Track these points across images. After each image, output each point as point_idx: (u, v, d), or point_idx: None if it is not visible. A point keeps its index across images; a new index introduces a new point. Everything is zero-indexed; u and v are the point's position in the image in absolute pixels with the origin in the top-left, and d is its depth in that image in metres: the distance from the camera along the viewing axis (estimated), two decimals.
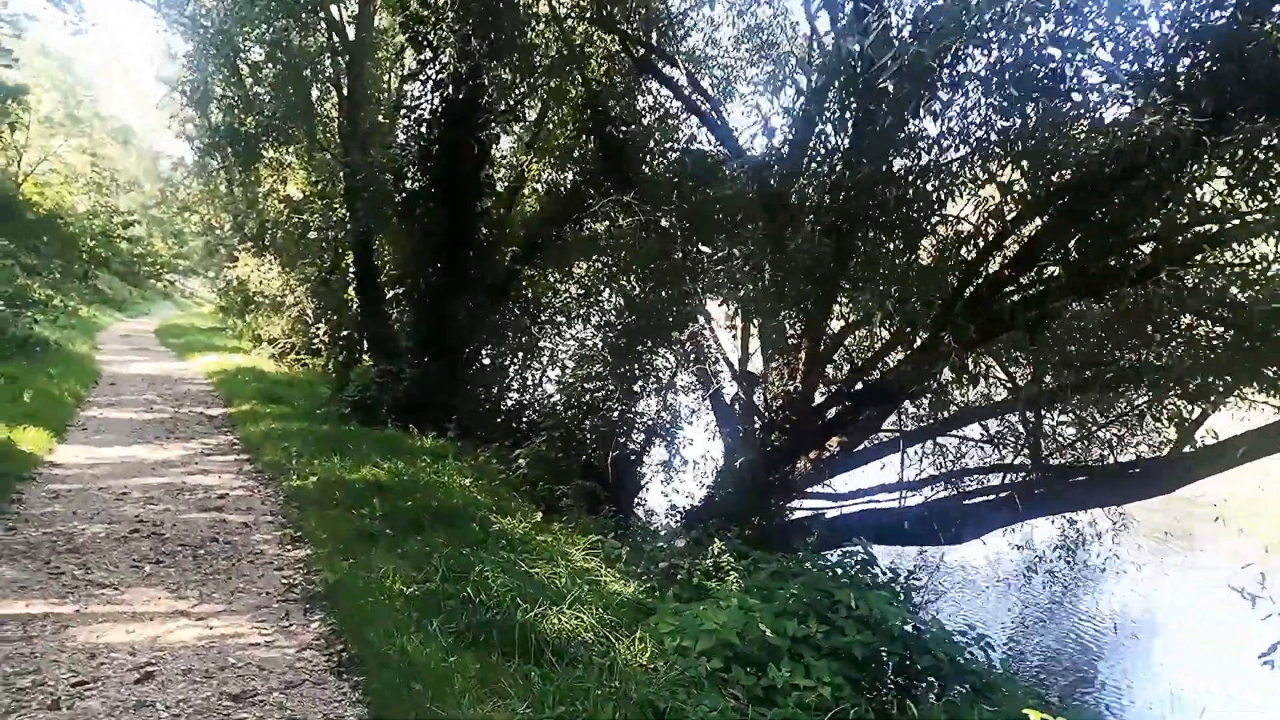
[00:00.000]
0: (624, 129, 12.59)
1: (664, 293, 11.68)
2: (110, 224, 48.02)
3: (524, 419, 14.79)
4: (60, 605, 5.67)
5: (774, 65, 11.99)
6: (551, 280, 16.00)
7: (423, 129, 13.50)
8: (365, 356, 15.32)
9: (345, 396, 13.48)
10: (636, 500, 12.39)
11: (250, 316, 30.65)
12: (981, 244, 8.91)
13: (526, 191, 16.33)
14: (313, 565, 6.70)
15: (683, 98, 11.97)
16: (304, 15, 16.85)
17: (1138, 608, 13.56)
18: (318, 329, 23.32)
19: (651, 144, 13.00)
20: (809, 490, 11.20)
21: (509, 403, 15.77)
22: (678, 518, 11.21)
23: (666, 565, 7.04)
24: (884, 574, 6.57)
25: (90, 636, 5.23)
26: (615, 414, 10.92)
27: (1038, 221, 8.77)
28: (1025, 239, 8.82)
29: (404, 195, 13.93)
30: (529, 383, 16.41)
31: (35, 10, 32.79)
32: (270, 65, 20.71)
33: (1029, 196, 8.37)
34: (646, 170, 12.90)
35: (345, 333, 17.07)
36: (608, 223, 14.01)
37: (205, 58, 24.83)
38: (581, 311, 14.90)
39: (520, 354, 16.10)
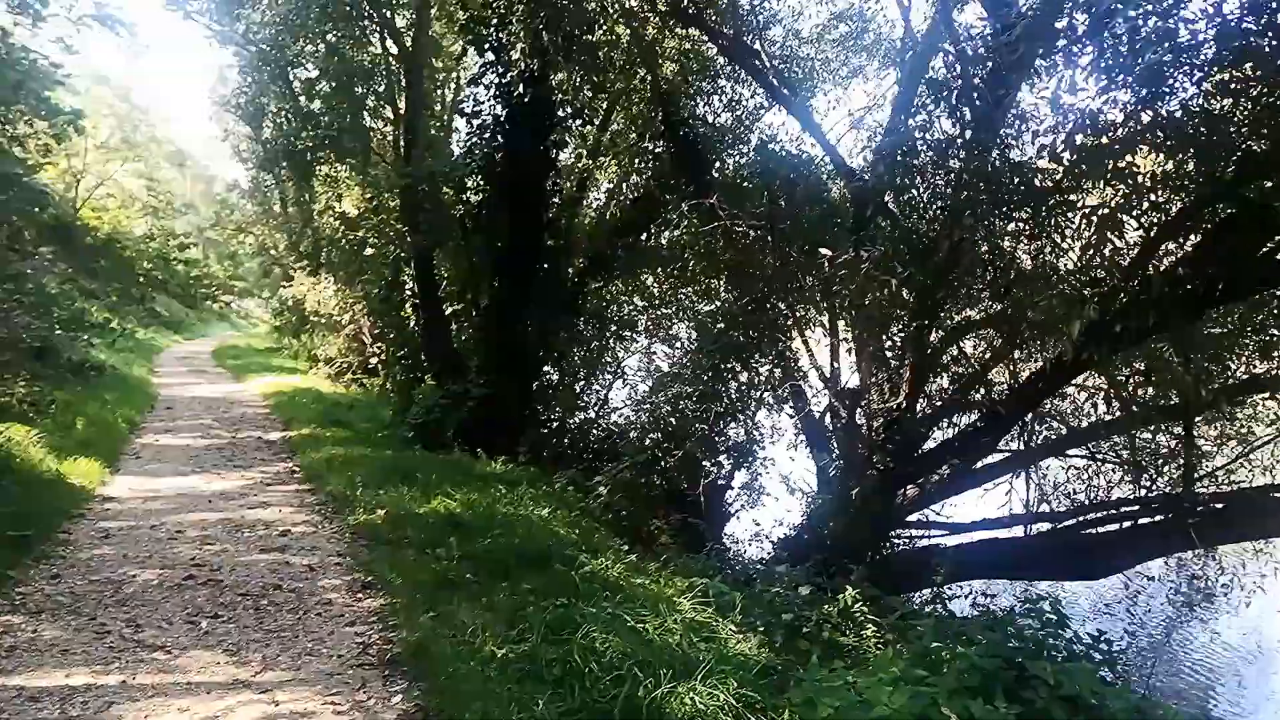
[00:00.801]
0: (699, 128, 11.70)
1: (751, 303, 10.71)
2: (167, 247, 48.49)
3: (596, 440, 13.93)
4: (105, 674, 4.88)
5: (865, 53, 10.99)
6: (621, 292, 15.15)
7: (485, 136, 12.78)
8: (427, 376, 14.56)
9: (408, 419, 12.74)
10: (724, 530, 11.41)
11: (306, 336, 30.35)
12: (1139, 237, 7.82)
13: (591, 199, 15.52)
14: (389, 619, 5.86)
15: (771, 90, 11.01)
16: (359, 24, 16.28)
17: None
18: (375, 348, 22.78)
19: (728, 143, 12.08)
20: (918, 519, 10.15)
21: (579, 422, 14.91)
22: (770, 549, 10.24)
23: (791, 617, 6.08)
24: (1078, 638, 5.52)
25: (137, 718, 4.43)
26: (701, 436, 9.94)
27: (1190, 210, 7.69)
28: (1183, 229, 7.71)
29: (466, 206, 13.19)
30: (598, 401, 15.54)
31: (89, 33, 33.04)
32: (323, 79, 20.29)
33: (1187, 184, 7.28)
34: (724, 171, 12.00)
35: (405, 351, 16.38)
36: (683, 230, 13.14)
37: (258, 74, 24.58)
38: (656, 325, 14.04)
39: (590, 371, 15.26)
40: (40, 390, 13.27)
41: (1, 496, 7.89)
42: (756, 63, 10.68)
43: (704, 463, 10.17)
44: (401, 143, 19.40)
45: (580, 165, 14.99)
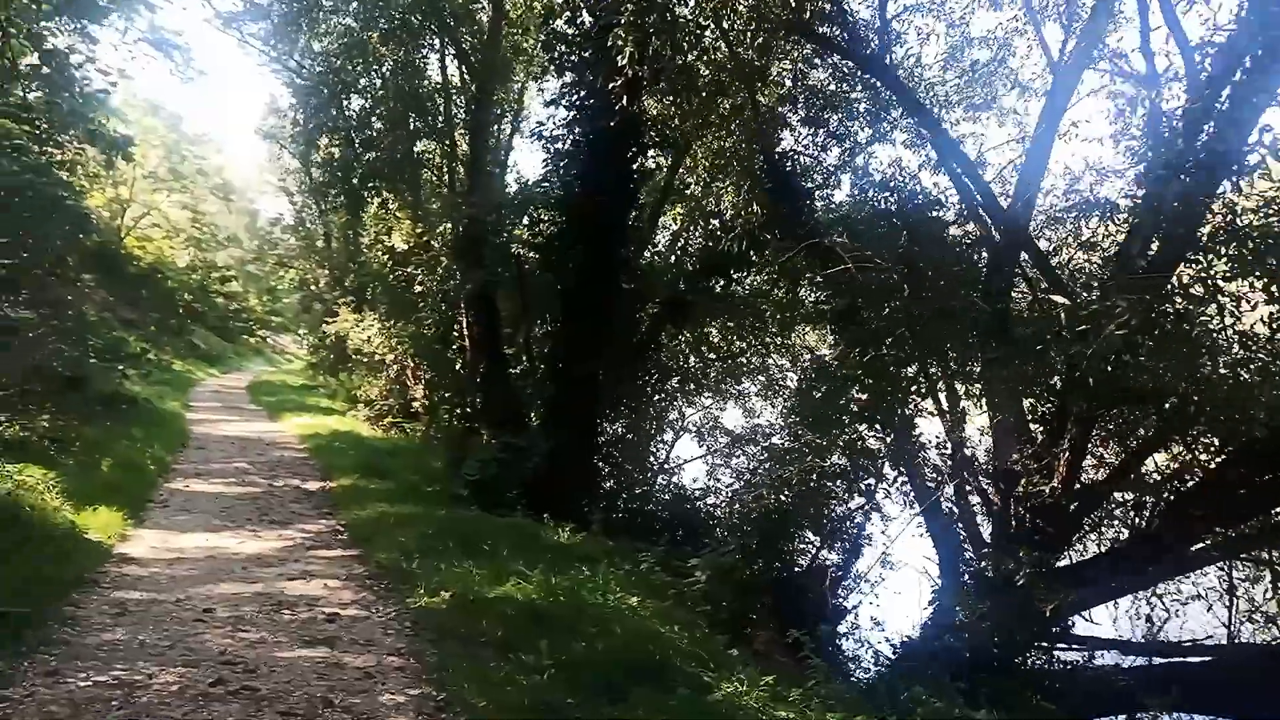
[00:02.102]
0: (801, 160, 10.47)
1: (870, 361, 9.33)
2: (208, 279, 48.15)
3: (665, 504, 12.54)
4: None
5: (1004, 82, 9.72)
6: (693, 342, 13.86)
7: (562, 164, 11.61)
8: (481, 426, 13.28)
9: (464, 474, 11.43)
10: (839, 626, 9.89)
11: (344, 375, 29.36)
12: None
13: (670, 237, 14.30)
14: None
15: (918, 115, 9.64)
16: (421, 46, 15.36)
17: None
18: (419, 391, 21.63)
19: (834, 178, 10.83)
20: (1069, 629, 8.61)
21: (650, 485, 13.54)
22: (892, 650, 8.76)
23: None
24: None
25: None
26: (809, 514, 8.52)
27: None
28: None
29: (536, 241, 12.00)
30: (664, 461, 14.18)
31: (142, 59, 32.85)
32: (379, 107, 19.42)
33: None
34: (828, 209, 10.72)
35: (449, 395, 15.02)
36: (768, 275, 11.86)
37: (310, 102, 23.83)
38: (724, 380, 12.73)
39: (658, 428, 13.94)
40: (65, 426, 12.18)
41: (4, 558, 6.68)
42: (891, 86, 9.41)
43: (814, 545, 8.73)
44: (460, 173, 18.46)
45: (662, 199, 13.81)
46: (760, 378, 16.18)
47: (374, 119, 19.85)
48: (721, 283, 13.67)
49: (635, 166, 11.63)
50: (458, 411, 13.01)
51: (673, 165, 14.24)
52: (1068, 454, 7.77)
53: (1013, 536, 8.10)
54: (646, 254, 13.20)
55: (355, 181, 18.23)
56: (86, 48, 14.96)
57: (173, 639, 5.90)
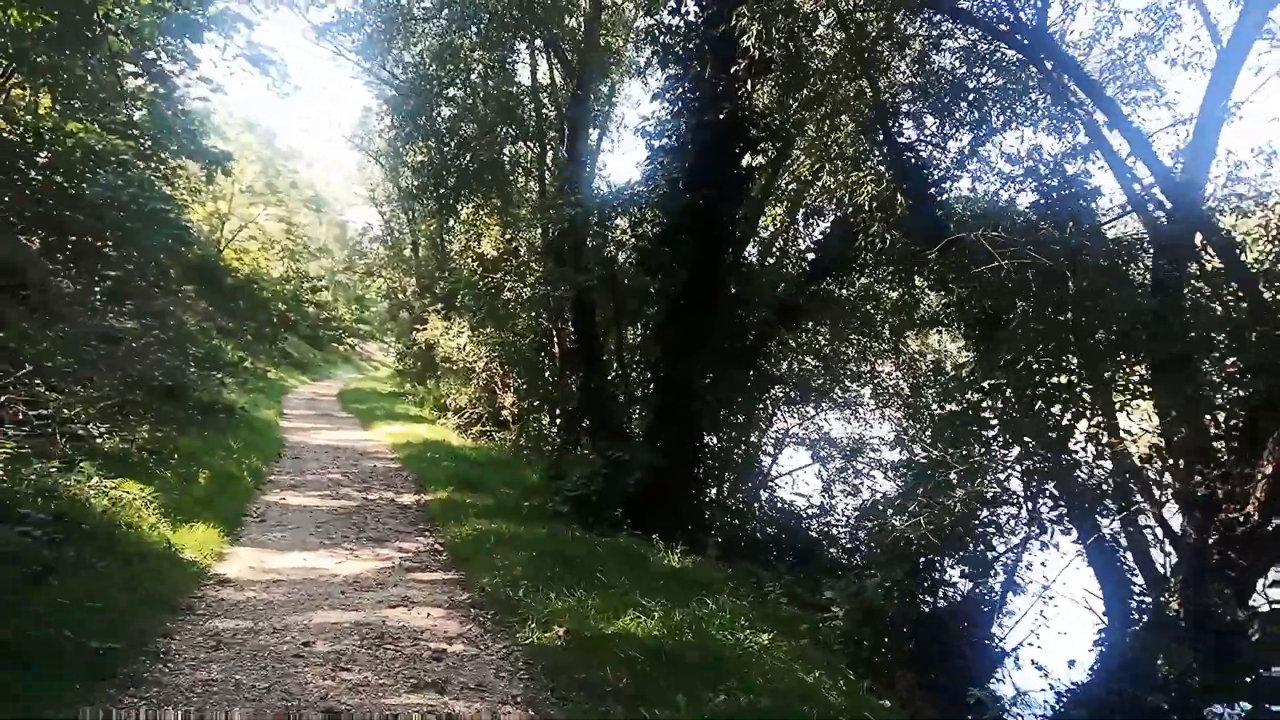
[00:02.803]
0: (929, 149, 9.59)
1: (1019, 370, 8.39)
2: (300, 289, 49.16)
3: (776, 524, 11.75)
4: None
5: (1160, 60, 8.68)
6: (812, 346, 13.04)
7: (664, 160, 10.93)
8: (575, 437, 12.65)
9: (564, 489, 10.84)
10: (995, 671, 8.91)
11: (432, 383, 29.30)
12: None
13: (780, 236, 13.49)
14: None
15: (1093, 92, 8.58)
16: (515, 46, 14.91)
17: None
18: (508, 399, 21.26)
19: (962, 168, 9.92)
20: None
21: (761, 503, 12.76)
22: (1055, 698, 7.81)
23: None
24: None
25: None
26: (959, 541, 7.63)
27: None
28: None
29: (639, 242, 11.34)
30: (769, 477, 13.38)
31: (240, 75, 33.64)
32: (469, 114, 19.11)
33: None
34: (953, 202, 9.81)
35: (540, 404, 14.36)
36: (895, 275, 10.98)
37: (401, 110, 23.75)
38: (855, 389, 11.87)
39: (761, 441, 13.15)
40: (164, 437, 12.04)
41: (97, 583, 6.31)
42: (1054, 57, 8.42)
43: (961, 576, 7.84)
44: (549, 177, 18.03)
45: (764, 198, 13.05)
46: (867, 386, 15.24)
47: (464, 125, 19.58)
48: (832, 285, 12.85)
49: (743, 163, 10.91)
50: (556, 422, 12.41)
51: (776, 160, 13.44)
52: (1268, 476, 6.74)
53: (1208, 570, 7.09)
54: (750, 254, 12.40)
55: (448, 187, 17.89)
56: (187, 67, 14.91)
57: (270, 679, 5.40)
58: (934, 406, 15.20)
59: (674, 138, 10.80)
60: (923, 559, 7.68)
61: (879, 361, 15.33)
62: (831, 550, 12.60)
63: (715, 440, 12.95)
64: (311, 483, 13.11)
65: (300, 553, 8.84)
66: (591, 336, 11.98)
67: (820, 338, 14.28)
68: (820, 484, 13.92)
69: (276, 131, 64.68)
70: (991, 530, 8.07)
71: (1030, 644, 8.43)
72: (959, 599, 8.24)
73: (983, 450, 8.19)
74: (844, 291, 13.39)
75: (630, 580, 7.88)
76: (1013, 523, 8.45)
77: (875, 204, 10.60)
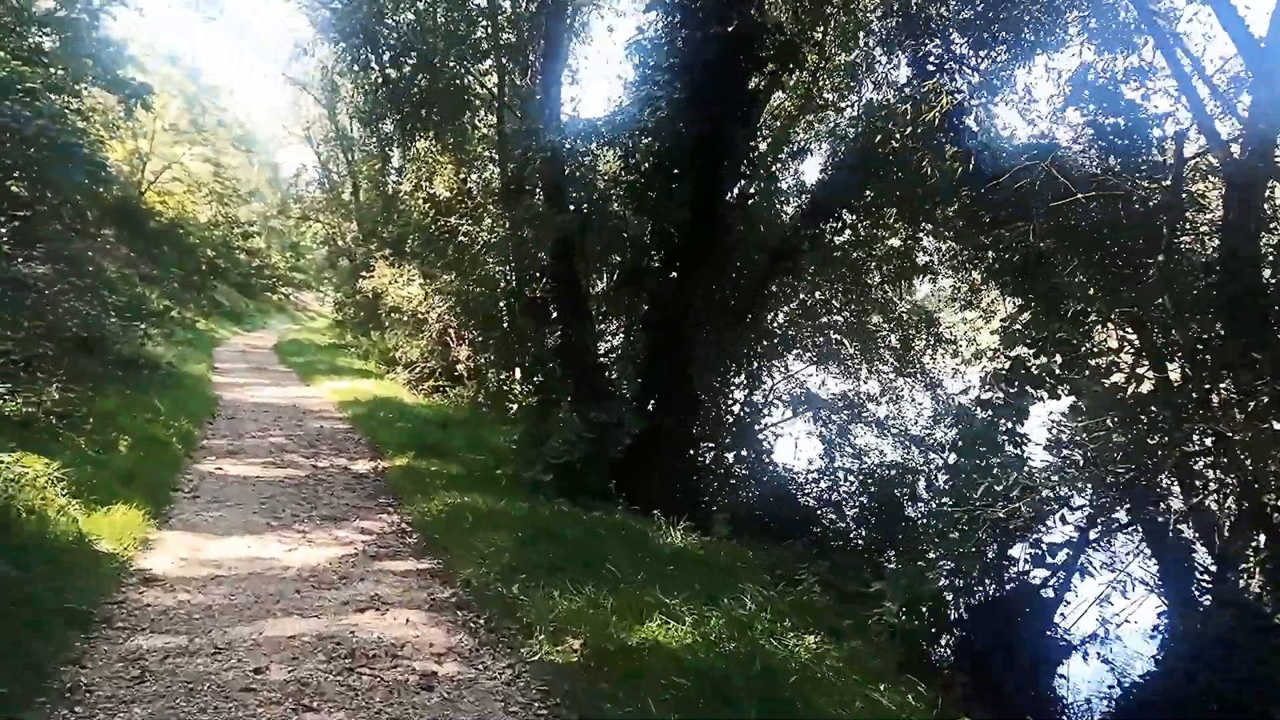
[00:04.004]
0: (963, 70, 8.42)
1: (1055, 322, 7.34)
2: (231, 234, 46.66)
3: (771, 491, 10.68)
4: None
5: None
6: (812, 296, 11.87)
7: (659, 81, 9.52)
8: (554, 396, 11.33)
9: (545, 456, 9.60)
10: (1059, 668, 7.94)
11: (377, 334, 27.71)
12: None
13: (783, 173, 12.19)
14: None
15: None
16: None
17: None
18: (459, 353, 19.85)
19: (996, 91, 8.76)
20: None
21: (766, 473, 11.61)
22: (1115, 698, 6.90)
23: None
24: None
25: None
26: (1020, 519, 6.57)
27: None
28: None
29: (634, 177, 9.96)
30: (769, 439, 12.27)
31: None
32: (418, 39, 17.31)
33: None
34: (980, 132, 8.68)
35: (500, 358, 12.87)
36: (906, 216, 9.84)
37: (339, 38, 21.78)
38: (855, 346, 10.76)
39: (768, 399, 12.03)
40: (77, 397, 10.48)
41: None
42: None
43: (1029, 563, 6.81)
44: (508, 110, 16.50)
45: (778, 124, 11.76)
46: (859, 341, 14.20)
47: (412, 50, 17.77)
48: (829, 227, 11.68)
49: (750, 85, 9.61)
50: (522, 379, 11.08)
51: (784, 82, 12.08)
52: None
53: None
54: (752, 191, 11.13)
55: (398, 119, 16.19)
56: None
57: None
58: (930, 360, 14.41)
59: (671, 54, 9.39)
60: (994, 545, 6.66)
61: (870, 314, 14.29)
62: (831, 518, 11.67)
63: (711, 400, 11.81)
64: (251, 448, 11.66)
65: (243, 537, 7.49)
66: (573, 284, 10.64)
67: (820, 289, 13.14)
68: (809, 446, 12.89)
69: (202, 66, 61.15)
70: (1057, 504, 7.05)
71: (1098, 635, 7.53)
72: (1019, 585, 7.28)
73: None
74: (840, 238, 12.26)
75: (638, 568, 6.72)
76: (1084, 499, 7.44)
77: (897, 134, 9.42)
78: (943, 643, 6.39)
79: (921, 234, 12.47)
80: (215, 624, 5.44)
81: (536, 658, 5.12)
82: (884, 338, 14.49)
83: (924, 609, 6.42)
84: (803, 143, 12.70)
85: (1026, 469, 6.46)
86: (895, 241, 13.24)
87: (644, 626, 5.43)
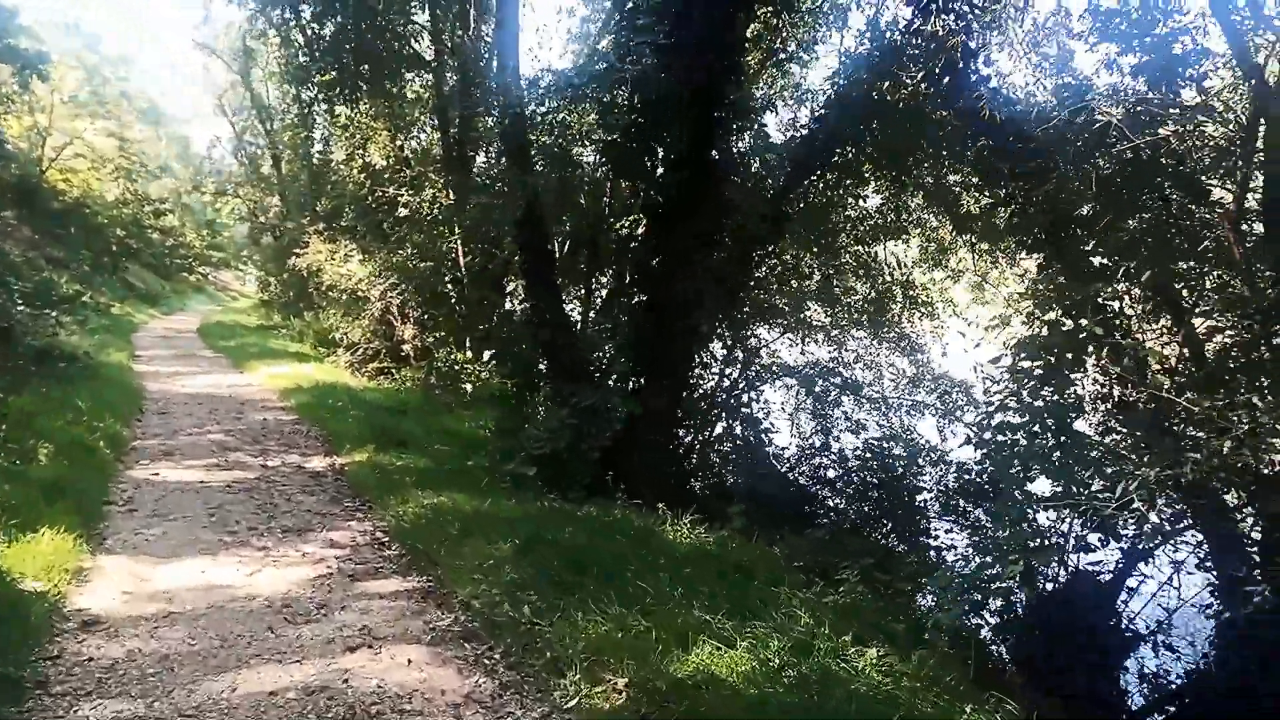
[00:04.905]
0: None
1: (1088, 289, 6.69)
2: (141, 212, 44.28)
3: (759, 471, 10.00)
4: None
5: None
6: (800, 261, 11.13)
7: (638, 24, 8.54)
8: (534, 380, 10.37)
9: (527, 446, 8.72)
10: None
11: (311, 315, 26.29)
12: None
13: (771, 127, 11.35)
14: None
15: None
16: None
17: None
18: (404, 332, 18.73)
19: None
20: None
21: (754, 449, 10.87)
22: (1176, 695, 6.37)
23: None
24: None
25: None
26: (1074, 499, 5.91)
27: None
28: None
29: (615, 136, 8.99)
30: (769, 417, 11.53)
31: None
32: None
33: None
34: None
35: (510, 346, 11.86)
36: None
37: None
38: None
39: (759, 374, 11.28)
40: None
41: None
42: None
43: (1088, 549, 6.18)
44: (441, 64, 15.34)
45: (766, 73, 10.91)
46: (838, 306, 13.58)
47: (338, 7, 16.36)
48: (814, 186, 10.94)
49: (741, 31, 8.74)
50: (513, 365, 10.14)
51: (758, 30, 11.25)
52: None
53: None
54: (742, 148, 10.29)
55: (334, 72, 14.85)
56: None
57: None
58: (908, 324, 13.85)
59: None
60: (1059, 534, 6.02)
61: (847, 277, 13.67)
62: (826, 495, 11.07)
63: (702, 377, 11.04)
64: (189, 447, 10.52)
65: (194, 558, 6.50)
66: (543, 253, 9.69)
67: (802, 251, 12.40)
68: (796, 423, 12.24)
69: (102, 34, 57.77)
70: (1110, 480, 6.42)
71: (1162, 623, 6.99)
72: (1077, 573, 6.70)
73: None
74: (826, 196, 11.53)
75: (657, 574, 5.94)
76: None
77: (899, 82, 8.68)
78: (1009, 643, 5.76)
79: (907, 192, 11.84)
80: (176, 680, 4.50)
81: (574, 702, 4.31)
82: (860, 303, 13.89)
83: (989, 610, 5.81)
84: (787, 94, 11.94)
85: (1099, 450, 5.83)
86: (876, 200, 12.62)
87: (692, 655, 4.65)
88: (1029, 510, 5.62)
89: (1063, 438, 5.93)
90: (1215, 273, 6.49)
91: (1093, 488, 5.33)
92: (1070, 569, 6.78)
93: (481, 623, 5.34)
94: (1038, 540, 5.32)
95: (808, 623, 5.01)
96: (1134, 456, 5.60)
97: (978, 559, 6.11)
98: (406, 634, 5.22)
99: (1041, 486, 6.08)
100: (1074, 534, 5.99)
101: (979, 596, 5.39)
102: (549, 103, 9.77)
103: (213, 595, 5.76)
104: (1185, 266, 6.55)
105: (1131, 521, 5.49)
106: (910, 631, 5.58)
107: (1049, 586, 6.64)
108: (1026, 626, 5.78)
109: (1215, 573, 6.72)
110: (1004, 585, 5.25)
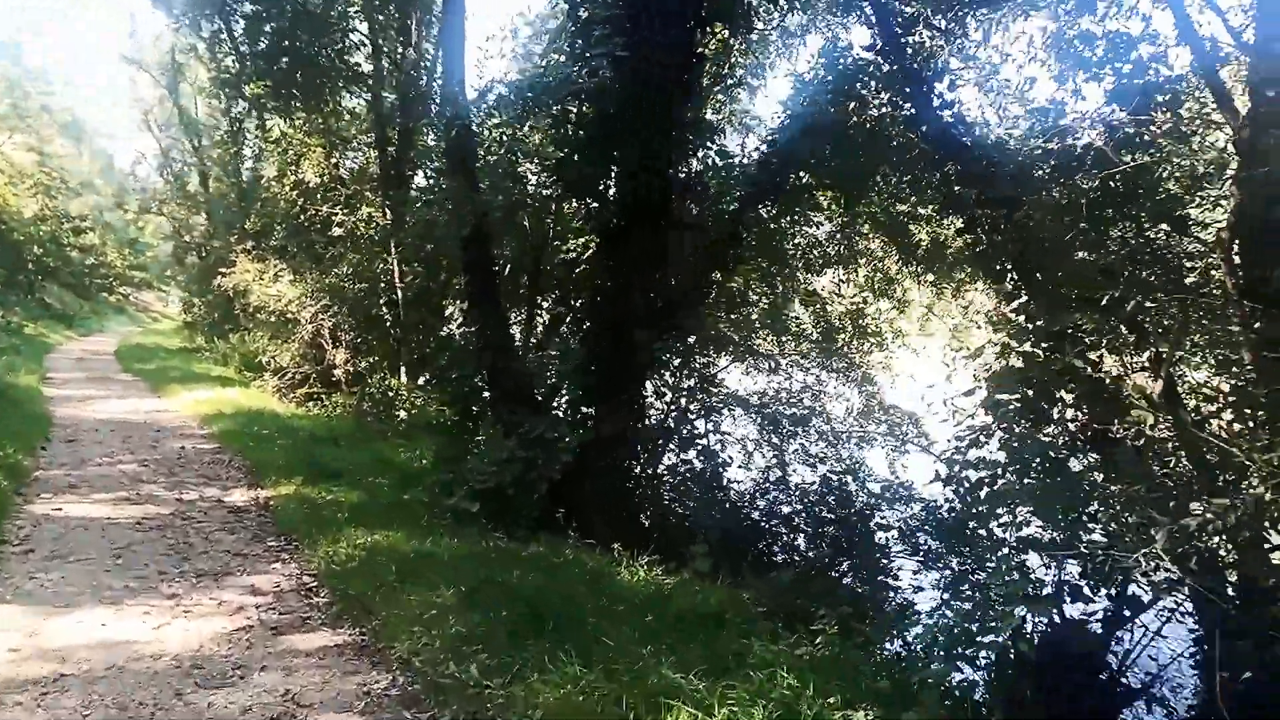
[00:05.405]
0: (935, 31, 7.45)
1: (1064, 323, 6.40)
2: (60, 229, 42.55)
3: (709, 506, 9.56)
4: None
5: None
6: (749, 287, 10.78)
7: (595, 34, 8.07)
8: (474, 408, 9.74)
9: (470, 479, 8.11)
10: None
11: (237, 337, 25.19)
12: None
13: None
14: None
15: None
16: None
17: None
18: (336, 356, 17.91)
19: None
20: None
21: (704, 482, 10.37)
22: None
23: None
24: None
25: None
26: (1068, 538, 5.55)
27: None
28: None
29: (569, 151, 8.49)
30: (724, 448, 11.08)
31: None
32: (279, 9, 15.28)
33: None
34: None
35: (453, 371, 11.15)
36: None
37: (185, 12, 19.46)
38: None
39: (710, 405, 10.83)
40: None
41: None
42: None
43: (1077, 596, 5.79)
44: (379, 79, 14.81)
45: (720, 90, 10.58)
46: (785, 337, 13.29)
47: (271, 24, 15.65)
48: (768, 211, 10.62)
49: (700, 46, 8.38)
50: (450, 388, 9.54)
51: (715, 48, 10.95)
52: None
53: None
54: (699, 166, 9.90)
55: (267, 88, 14.14)
56: None
57: None
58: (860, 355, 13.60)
59: (605, 7, 7.97)
60: (1054, 582, 5.63)
61: (795, 303, 13.41)
62: (787, 534, 10.64)
63: (657, 407, 10.56)
64: (98, 479, 9.67)
65: (94, 608, 5.77)
66: (489, 274, 9.13)
67: (752, 277, 12.08)
68: (750, 455, 11.84)
69: (24, 47, 55.83)
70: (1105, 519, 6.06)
71: (1157, 676, 6.65)
72: (1064, 621, 6.33)
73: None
74: (778, 223, 11.22)
75: (616, 623, 5.42)
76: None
77: (860, 101, 8.40)
78: (1010, 699, 5.33)
79: (859, 221, 11.64)
80: None
81: None
82: (808, 332, 13.63)
83: (976, 665, 5.39)
84: (735, 119, 11.67)
85: (1093, 491, 5.48)
86: (828, 226, 12.39)
87: None
88: (1021, 555, 5.27)
89: (1056, 478, 5.58)
90: (1202, 304, 6.24)
91: (1093, 535, 5.00)
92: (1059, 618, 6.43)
93: (423, 685, 4.74)
94: (1032, 588, 4.94)
95: (792, 685, 4.52)
96: (1138, 507, 5.25)
97: (958, 605, 5.72)
98: (338, 700, 4.60)
99: (1027, 528, 5.76)
100: (1068, 581, 5.61)
101: (968, 650, 4.98)
102: (498, 115, 9.29)
103: (114, 653, 5.06)
104: (1166, 297, 6.29)
105: (1139, 573, 5.11)
106: (896, 689, 5.13)
107: (1036, 638, 6.28)
108: (1015, 680, 5.37)
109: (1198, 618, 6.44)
110: (999, 639, 4.84)
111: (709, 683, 4.54)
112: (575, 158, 8.38)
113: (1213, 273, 6.10)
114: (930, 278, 14.88)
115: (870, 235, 12.71)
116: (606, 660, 4.79)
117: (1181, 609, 6.54)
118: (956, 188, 7.89)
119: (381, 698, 4.64)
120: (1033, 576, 5.37)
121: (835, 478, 11.08)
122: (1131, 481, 5.64)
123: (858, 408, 13.54)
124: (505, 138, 9.82)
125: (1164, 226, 6.55)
